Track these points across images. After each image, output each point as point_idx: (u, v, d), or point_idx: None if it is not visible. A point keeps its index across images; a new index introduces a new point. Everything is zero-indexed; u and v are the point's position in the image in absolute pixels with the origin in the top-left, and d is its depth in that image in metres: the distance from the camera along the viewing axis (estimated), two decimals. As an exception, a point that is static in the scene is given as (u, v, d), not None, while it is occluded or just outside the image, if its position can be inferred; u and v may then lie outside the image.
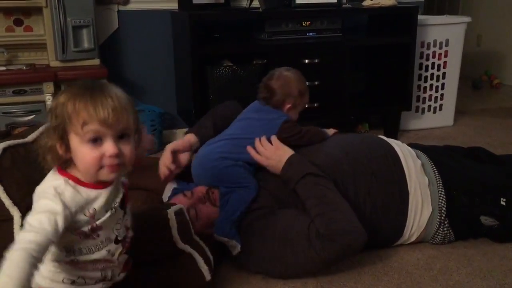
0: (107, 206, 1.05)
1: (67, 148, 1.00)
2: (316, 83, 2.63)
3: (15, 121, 2.36)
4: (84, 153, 0.98)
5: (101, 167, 0.99)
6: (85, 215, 1.02)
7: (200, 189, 1.66)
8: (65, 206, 0.97)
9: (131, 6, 2.78)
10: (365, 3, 2.86)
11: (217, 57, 2.61)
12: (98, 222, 1.04)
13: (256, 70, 2.59)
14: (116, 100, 0.98)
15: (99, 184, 1.04)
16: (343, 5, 2.87)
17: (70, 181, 1.01)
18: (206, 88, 2.54)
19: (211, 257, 1.49)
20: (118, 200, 1.09)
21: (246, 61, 2.61)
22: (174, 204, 1.49)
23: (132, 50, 2.83)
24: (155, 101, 2.89)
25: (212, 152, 1.68)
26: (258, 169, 1.69)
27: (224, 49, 2.62)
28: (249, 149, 1.67)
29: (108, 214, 1.06)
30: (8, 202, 1.37)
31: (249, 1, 2.75)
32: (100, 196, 1.05)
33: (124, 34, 2.80)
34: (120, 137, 0.99)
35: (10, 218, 1.38)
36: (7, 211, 1.37)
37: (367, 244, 1.52)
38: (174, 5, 2.77)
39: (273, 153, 1.64)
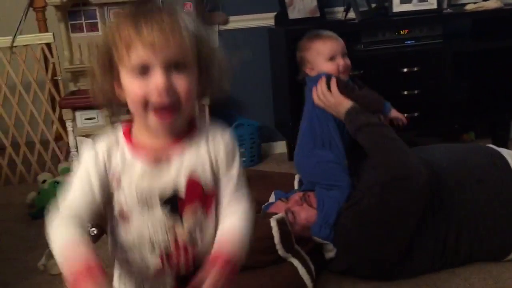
0: (139, 187, 0.82)
1: (120, 84, 0.81)
2: (416, 92, 2.55)
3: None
4: (129, 86, 0.79)
5: (148, 105, 0.79)
6: (110, 171, 0.83)
7: (297, 194, 1.70)
8: (96, 153, 0.84)
9: (230, 26, 2.91)
10: (467, 7, 2.74)
11: (314, 70, 2.63)
12: (123, 204, 0.83)
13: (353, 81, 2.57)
14: (167, 19, 0.78)
15: (144, 152, 0.83)
16: (444, 11, 2.77)
17: (121, 132, 0.86)
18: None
19: (312, 266, 1.51)
20: (161, 192, 0.83)
21: (342, 73, 2.61)
22: (276, 213, 1.54)
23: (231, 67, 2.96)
24: (254, 115, 2.98)
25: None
26: (351, 166, 1.70)
27: (320, 62, 2.63)
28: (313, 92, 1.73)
29: (137, 202, 0.83)
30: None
31: (345, 13, 2.75)
32: (136, 165, 0.83)
33: (224, 52, 2.93)
34: (174, 68, 0.79)
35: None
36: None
37: (475, 256, 1.45)
38: (271, 22, 2.86)
39: (333, 104, 1.68)
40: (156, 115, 0.79)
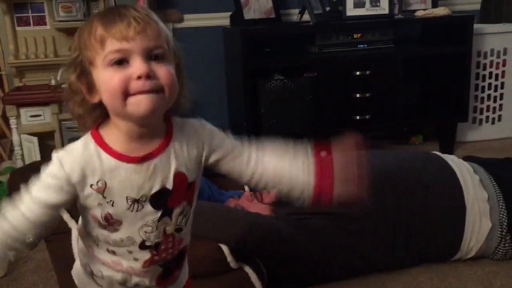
0: (127, 191, 0.80)
1: (91, 86, 0.78)
2: (367, 95, 2.60)
3: (77, 136, 2.49)
4: (107, 78, 0.75)
5: (128, 95, 0.75)
6: (90, 187, 0.79)
7: (248, 192, 1.74)
8: (64, 172, 0.78)
9: (185, 24, 2.87)
10: (418, 14, 2.82)
11: (268, 71, 2.64)
12: (111, 211, 0.81)
13: (306, 83, 2.60)
14: (142, 12, 0.76)
15: (126, 156, 0.80)
16: (395, 16, 2.84)
17: (92, 141, 0.81)
18: (257, 102, 2.57)
19: (264, 271, 1.50)
20: (150, 191, 0.82)
21: (297, 74, 2.63)
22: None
23: (186, 65, 2.91)
24: (208, 115, 2.93)
25: None
26: None
27: (275, 63, 2.65)
28: None
29: (127, 206, 0.81)
30: (66, 216, 1.43)
31: (299, 15, 2.77)
32: (120, 169, 0.80)
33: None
34: (152, 58, 0.77)
35: (68, 231, 1.44)
36: (66, 224, 1.44)
37: (423, 257, 1.49)
38: (226, 22, 2.84)
39: None
40: (137, 95, 0.75)
